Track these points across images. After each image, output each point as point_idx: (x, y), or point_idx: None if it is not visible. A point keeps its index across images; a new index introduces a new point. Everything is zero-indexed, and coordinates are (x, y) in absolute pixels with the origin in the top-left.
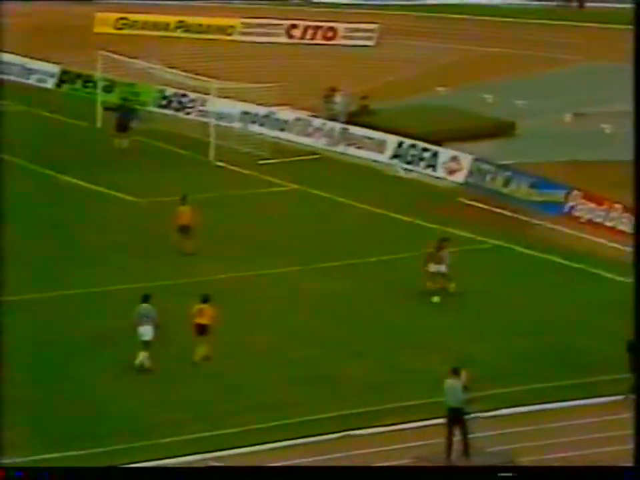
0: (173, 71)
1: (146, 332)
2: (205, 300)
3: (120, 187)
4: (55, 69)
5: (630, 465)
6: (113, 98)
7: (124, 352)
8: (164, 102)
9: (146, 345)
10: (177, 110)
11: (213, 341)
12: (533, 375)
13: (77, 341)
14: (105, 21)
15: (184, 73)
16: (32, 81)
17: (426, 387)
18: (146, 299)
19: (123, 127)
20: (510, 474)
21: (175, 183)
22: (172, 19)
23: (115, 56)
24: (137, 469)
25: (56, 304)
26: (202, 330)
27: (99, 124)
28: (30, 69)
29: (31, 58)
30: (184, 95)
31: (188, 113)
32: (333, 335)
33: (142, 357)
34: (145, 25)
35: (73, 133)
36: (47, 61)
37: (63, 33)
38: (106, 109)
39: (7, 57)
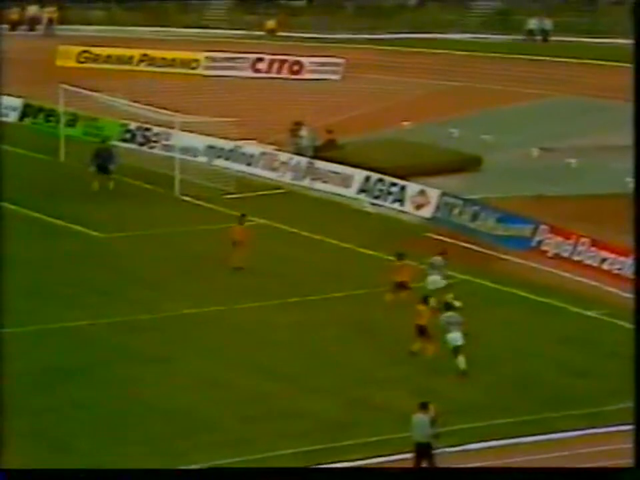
0: (137, 104)
1: (454, 338)
2: None
3: (83, 221)
4: (16, 102)
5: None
6: (76, 132)
7: (79, 389)
8: (128, 136)
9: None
10: (141, 144)
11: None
12: (497, 409)
13: (28, 378)
14: (67, 54)
15: (148, 107)
16: None
17: (390, 422)
18: (449, 306)
19: (104, 169)
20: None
21: (140, 218)
22: (136, 52)
23: (78, 89)
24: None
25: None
26: None
27: (61, 157)
28: None
29: None
30: (148, 129)
31: (152, 147)
32: (293, 370)
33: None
34: (108, 59)
35: (35, 167)
36: (9, 95)
37: (24, 66)
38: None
39: None
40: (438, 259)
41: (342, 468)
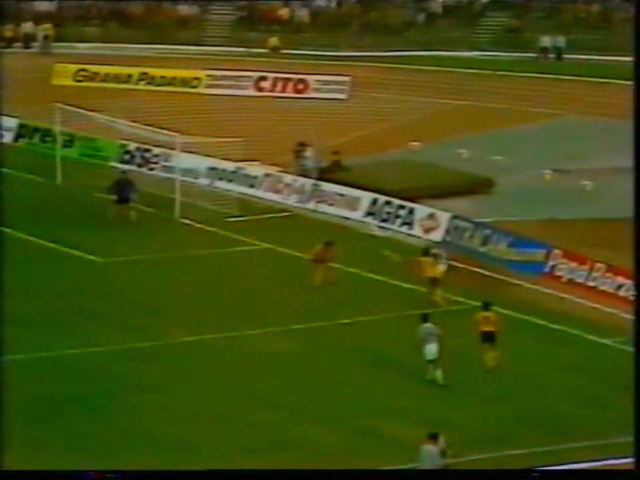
0: (136, 124)
1: (431, 350)
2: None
3: (80, 245)
4: (11, 122)
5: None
6: (73, 153)
7: (76, 419)
8: (126, 157)
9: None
10: (140, 165)
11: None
12: (510, 440)
13: (25, 407)
14: (63, 73)
15: (147, 127)
16: None
17: (397, 453)
18: (426, 318)
19: (124, 199)
20: None
21: (139, 241)
22: (134, 71)
23: (75, 109)
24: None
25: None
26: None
27: (58, 180)
28: None
29: None
30: (147, 150)
31: (152, 169)
32: (295, 399)
33: (432, 373)
34: (105, 77)
35: (31, 190)
36: (3, 114)
37: (18, 84)
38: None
39: None
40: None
41: (342, 470)
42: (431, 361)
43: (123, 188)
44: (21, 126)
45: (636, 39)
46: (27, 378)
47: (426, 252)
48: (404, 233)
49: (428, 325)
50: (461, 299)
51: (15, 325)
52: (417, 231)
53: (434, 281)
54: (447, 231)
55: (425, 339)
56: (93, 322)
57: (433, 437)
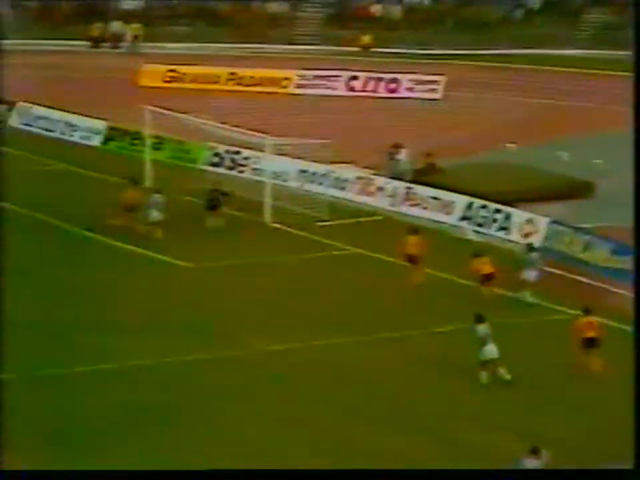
0: (225, 126)
1: (490, 351)
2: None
3: (168, 250)
4: (101, 125)
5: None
6: (162, 155)
7: (160, 428)
8: (216, 160)
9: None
10: (230, 168)
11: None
12: (608, 453)
13: (103, 417)
14: (152, 74)
15: (236, 129)
16: (76, 138)
17: (492, 465)
18: (481, 318)
19: (213, 206)
20: None
21: (228, 246)
22: (223, 71)
23: (164, 111)
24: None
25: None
26: None
27: (147, 183)
28: (74, 126)
29: (74, 113)
30: (237, 153)
31: (241, 172)
32: (386, 409)
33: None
34: (194, 78)
35: (119, 193)
36: (91, 116)
37: (106, 86)
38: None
39: (49, 113)
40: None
41: (344, 470)
42: (487, 362)
43: (215, 198)
44: (111, 129)
45: (636, 38)
46: (118, 386)
47: (477, 253)
48: (501, 238)
49: (484, 325)
50: (561, 308)
51: (101, 332)
52: (514, 236)
53: (487, 278)
54: (546, 237)
55: (482, 340)
56: (179, 329)
57: (534, 452)
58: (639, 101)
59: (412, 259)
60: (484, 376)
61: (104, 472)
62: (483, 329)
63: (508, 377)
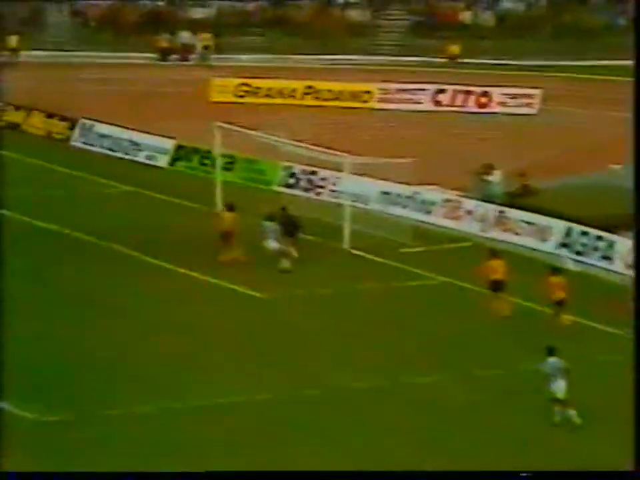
0: (301, 144)
1: (558, 388)
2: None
3: (242, 280)
4: (168, 144)
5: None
6: (234, 176)
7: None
8: (291, 181)
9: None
10: (306, 190)
11: None
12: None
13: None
14: (223, 88)
15: (314, 147)
16: (141, 158)
17: None
18: (552, 351)
19: (290, 233)
20: None
21: (304, 274)
22: (299, 85)
23: (235, 128)
24: None
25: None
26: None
27: (218, 207)
28: (139, 144)
29: (140, 131)
30: (314, 173)
31: (319, 194)
32: (478, 452)
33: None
34: (268, 92)
35: (189, 218)
36: (159, 135)
37: (174, 101)
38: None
39: (112, 131)
40: None
41: (344, 472)
42: (558, 400)
43: (286, 223)
44: (178, 147)
45: (636, 38)
46: (189, 425)
47: (555, 271)
48: (603, 268)
49: (554, 359)
50: None
51: (178, 368)
52: (617, 266)
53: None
54: None
55: (552, 375)
56: (257, 365)
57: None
58: (639, 104)
59: (496, 286)
60: (556, 413)
61: (105, 472)
62: (551, 363)
63: (577, 420)
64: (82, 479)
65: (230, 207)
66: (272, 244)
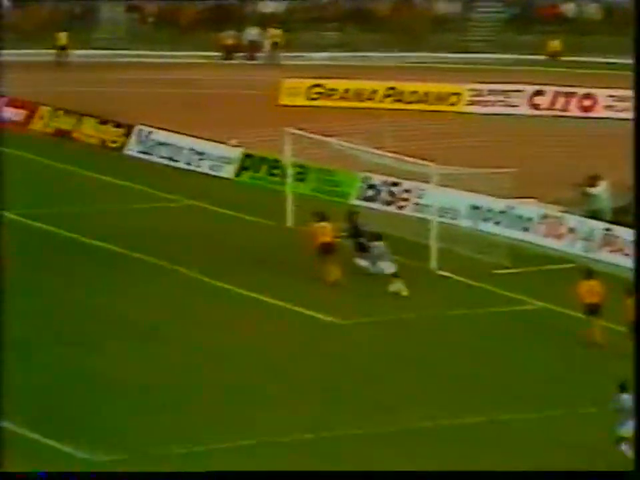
0: (382, 152)
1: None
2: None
3: (315, 302)
4: (233, 152)
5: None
6: (306, 188)
7: None
8: (370, 193)
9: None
10: (387, 203)
11: None
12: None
13: None
14: (294, 90)
15: (396, 156)
16: (204, 168)
17: None
18: (624, 386)
19: (362, 247)
20: None
21: (385, 298)
22: (380, 86)
23: (307, 134)
24: None
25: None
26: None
27: (288, 222)
28: (202, 153)
29: (202, 139)
30: (395, 184)
31: (401, 207)
32: None
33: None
34: (344, 94)
35: (255, 234)
36: (223, 143)
37: (240, 104)
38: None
39: (172, 138)
40: None
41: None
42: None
43: (358, 233)
44: (245, 156)
45: (636, 38)
46: (254, 464)
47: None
48: None
49: (627, 395)
50: None
51: (242, 402)
52: None
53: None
54: None
55: (621, 414)
56: (330, 398)
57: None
58: (639, 102)
59: (591, 309)
60: (625, 450)
61: (105, 472)
62: (624, 400)
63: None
64: (83, 479)
65: (322, 217)
66: (387, 266)
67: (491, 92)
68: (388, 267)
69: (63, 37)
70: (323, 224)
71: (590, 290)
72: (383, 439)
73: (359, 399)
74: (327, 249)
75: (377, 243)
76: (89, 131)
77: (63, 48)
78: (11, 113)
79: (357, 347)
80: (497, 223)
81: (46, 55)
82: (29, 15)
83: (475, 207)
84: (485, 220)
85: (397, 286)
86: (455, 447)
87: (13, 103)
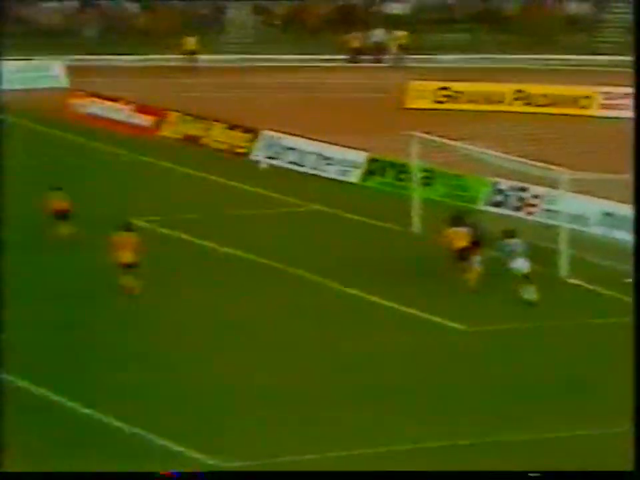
0: (510, 157)
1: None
2: None
3: (443, 310)
4: (359, 156)
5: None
6: (433, 193)
7: None
8: (499, 198)
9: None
10: (516, 209)
11: None
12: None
13: None
14: (420, 92)
15: (524, 160)
16: (331, 173)
17: None
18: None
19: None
20: None
21: (515, 305)
22: (508, 89)
23: (434, 138)
24: None
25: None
26: None
27: (415, 228)
28: (328, 158)
29: (329, 143)
30: (524, 190)
31: (530, 213)
32: None
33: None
34: (472, 97)
35: (380, 239)
36: (349, 147)
37: (364, 107)
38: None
39: (299, 143)
40: None
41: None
42: (524, 276)
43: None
44: (371, 161)
45: (636, 38)
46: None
47: None
48: None
49: (515, 240)
50: None
51: (360, 410)
52: None
53: None
54: None
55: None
56: (452, 412)
57: None
58: (639, 102)
59: None
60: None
61: (105, 472)
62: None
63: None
64: (82, 479)
65: (457, 221)
66: (522, 264)
67: (625, 95)
68: (523, 265)
69: (191, 42)
70: (457, 229)
71: None
72: (513, 447)
73: (486, 412)
74: (463, 254)
75: (511, 240)
76: (217, 136)
77: (192, 52)
78: (140, 119)
79: (482, 356)
80: (630, 231)
81: (175, 59)
82: (158, 19)
83: (607, 214)
84: (617, 227)
85: (530, 292)
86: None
87: (142, 109)
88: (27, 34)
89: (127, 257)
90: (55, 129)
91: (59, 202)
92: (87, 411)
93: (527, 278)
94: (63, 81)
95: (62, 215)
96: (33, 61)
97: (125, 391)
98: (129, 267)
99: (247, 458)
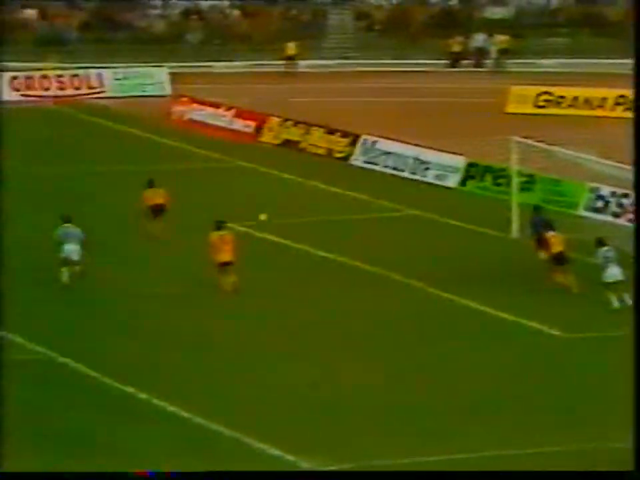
0: (611, 162)
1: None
2: None
3: (542, 316)
4: (458, 161)
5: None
6: (532, 198)
7: None
8: (599, 204)
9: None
10: (616, 215)
11: None
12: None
13: None
14: (521, 97)
15: (625, 166)
16: (429, 177)
17: None
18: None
19: (539, 242)
20: None
21: (612, 313)
22: (610, 94)
23: (534, 143)
24: None
25: None
26: None
27: (514, 233)
28: (426, 163)
29: (427, 148)
30: (626, 196)
31: (631, 220)
32: None
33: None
34: (574, 102)
35: (479, 245)
36: (448, 152)
37: (465, 112)
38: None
39: (397, 147)
40: None
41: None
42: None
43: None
44: (470, 165)
45: (636, 38)
46: None
47: None
48: None
49: (606, 248)
50: None
51: (442, 418)
52: None
53: None
54: None
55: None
56: (546, 419)
57: None
58: (639, 102)
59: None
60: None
61: (105, 472)
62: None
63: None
64: (80, 479)
65: (549, 226)
66: (615, 271)
67: None
68: (616, 272)
69: (291, 47)
70: (553, 233)
71: None
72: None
73: (584, 421)
74: (559, 259)
75: (603, 249)
76: (316, 141)
77: (292, 58)
78: (241, 125)
79: (580, 363)
80: None
81: (276, 65)
82: (259, 25)
83: None
84: None
85: (624, 299)
86: None
87: (242, 115)
88: (133, 40)
89: (224, 256)
90: (156, 135)
91: (153, 197)
92: (199, 419)
93: (620, 285)
94: (167, 88)
95: (157, 210)
96: (138, 69)
97: (224, 394)
98: (225, 264)
99: (344, 461)
